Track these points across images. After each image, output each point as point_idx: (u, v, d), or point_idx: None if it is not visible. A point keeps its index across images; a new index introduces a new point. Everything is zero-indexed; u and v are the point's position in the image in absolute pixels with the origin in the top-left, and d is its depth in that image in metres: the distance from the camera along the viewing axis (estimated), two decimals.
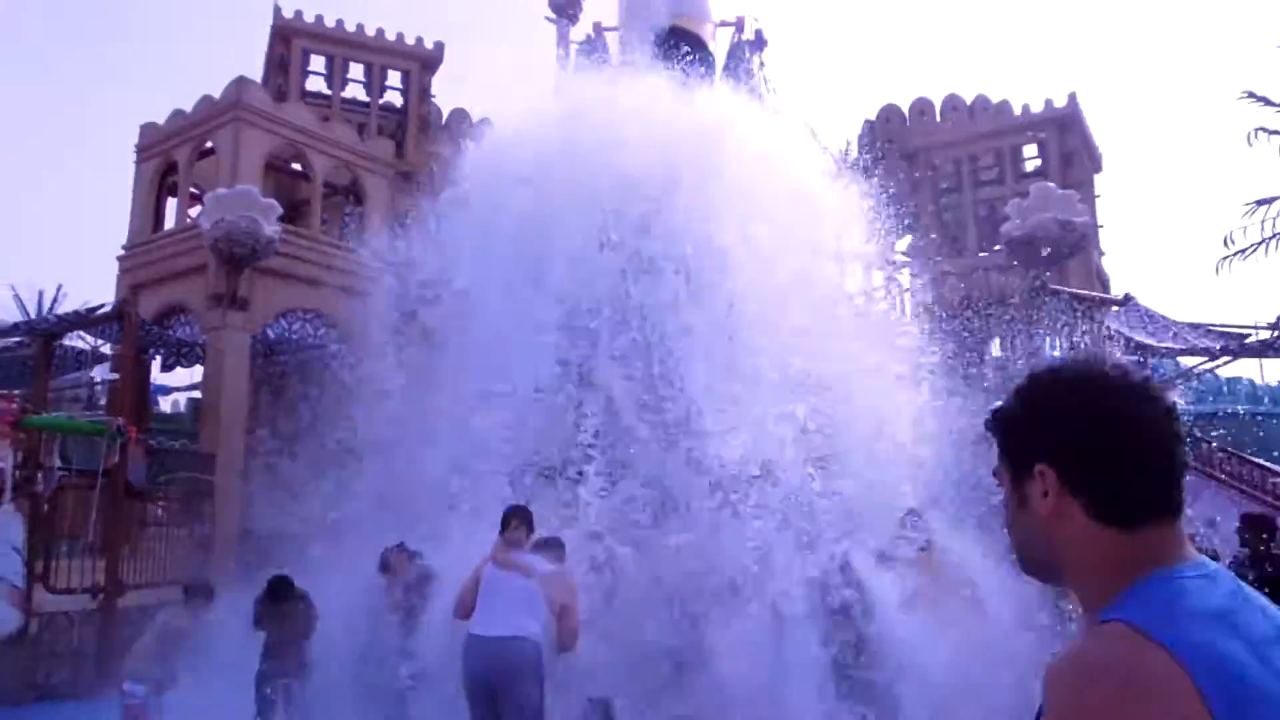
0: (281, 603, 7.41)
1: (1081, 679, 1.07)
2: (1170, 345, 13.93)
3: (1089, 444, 1.19)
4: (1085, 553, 1.19)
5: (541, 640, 5.92)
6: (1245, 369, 21.34)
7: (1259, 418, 20.31)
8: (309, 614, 7.50)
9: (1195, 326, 13.97)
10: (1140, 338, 13.74)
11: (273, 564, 9.32)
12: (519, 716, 5.70)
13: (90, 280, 61.27)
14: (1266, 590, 4.94)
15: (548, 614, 6.01)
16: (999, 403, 1.34)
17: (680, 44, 18.80)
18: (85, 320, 13.96)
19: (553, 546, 6.75)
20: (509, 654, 5.71)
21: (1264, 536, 7.24)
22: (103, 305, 14.27)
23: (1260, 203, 15.30)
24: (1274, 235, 14.77)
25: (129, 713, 6.88)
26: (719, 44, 21.41)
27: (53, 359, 14.43)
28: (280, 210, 14.44)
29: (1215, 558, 7.73)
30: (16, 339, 14.99)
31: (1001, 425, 1.31)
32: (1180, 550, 1.19)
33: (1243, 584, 1.20)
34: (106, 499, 11.32)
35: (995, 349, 21.08)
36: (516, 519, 6.44)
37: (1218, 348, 13.48)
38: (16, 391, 13.92)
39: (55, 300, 32.73)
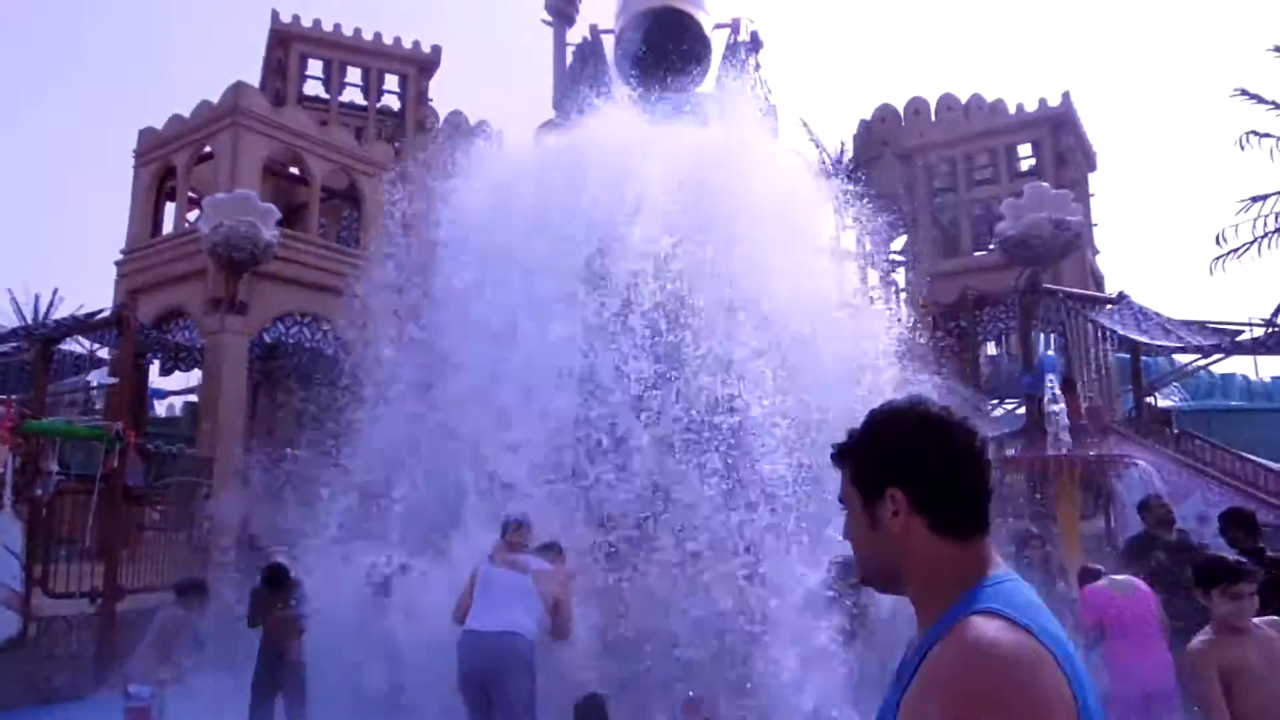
0: (279, 591, 7.35)
1: (981, 659, 1.24)
2: (1164, 343, 13.99)
3: (931, 471, 1.43)
4: (928, 563, 1.42)
5: (535, 636, 5.99)
6: (1238, 365, 21.44)
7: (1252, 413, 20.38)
8: (300, 608, 7.44)
9: (1189, 324, 14.04)
10: (1134, 335, 13.80)
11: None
12: (509, 710, 5.78)
13: (86, 284, 61.25)
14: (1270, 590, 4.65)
15: (542, 610, 6.07)
16: (840, 440, 1.54)
17: (675, 33, 18.89)
18: (84, 325, 13.98)
19: (551, 550, 6.85)
20: (502, 648, 5.79)
21: (1246, 530, 7.21)
22: (101, 310, 14.31)
23: (1255, 199, 15.40)
24: (1266, 234, 14.87)
25: (133, 716, 6.88)
26: (715, 44, 21.50)
27: (50, 364, 14.46)
28: (279, 215, 14.48)
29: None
30: (13, 345, 15.02)
31: (852, 457, 1.52)
32: (996, 559, 1.44)
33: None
34: (105, 503, 11.36)
35: (990, 348, 21.17)
36: (516, 524, 6.54)
37: (1211, 345, 13.55)
38: (14, 396, 13.96)
39: (51, 304, 32.75)
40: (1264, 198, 15.19)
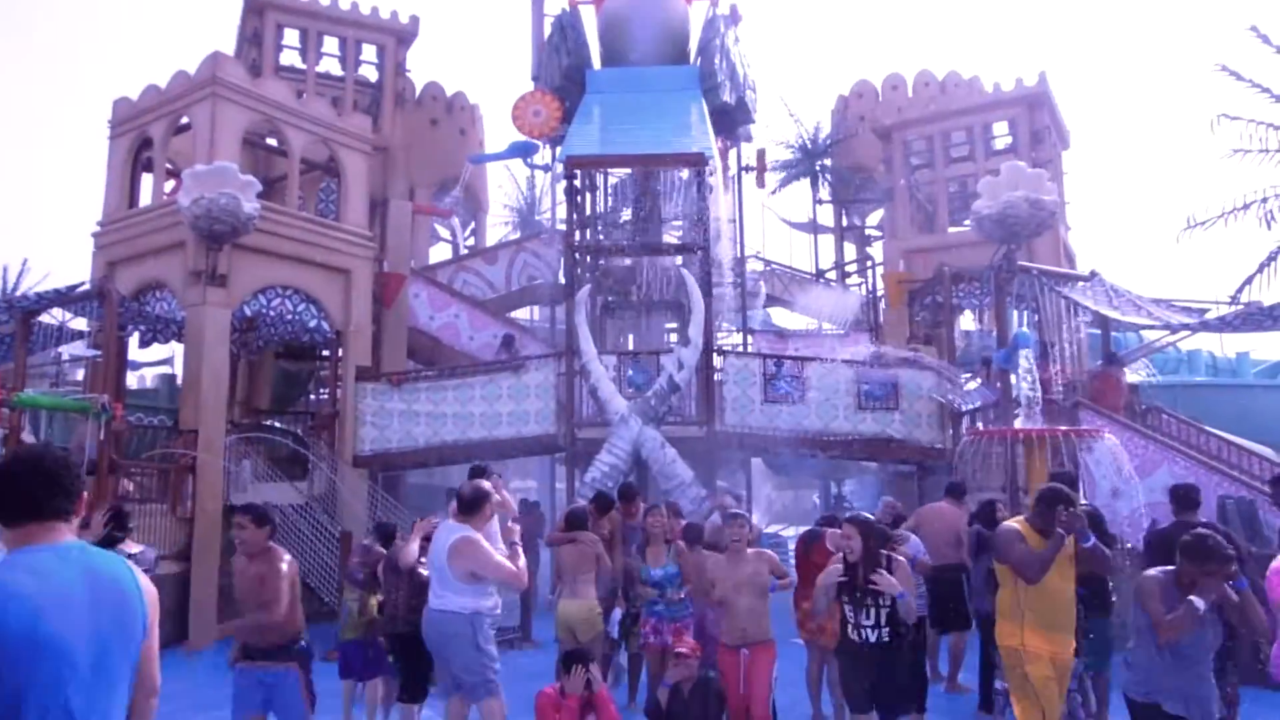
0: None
1: None
2: (1135, 319, 14.30)
3: None
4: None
5: (474, 610, 5.90)
6: (1204, 342, 21.93)
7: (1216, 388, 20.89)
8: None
9: (1157, 302, 14.37)
10: (1106, 311, 14.10)
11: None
12: (466, 679, 5.96)
13: (53, 254, 60.01)
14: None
15: (475, 583, 5.93)
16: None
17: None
18: (66, 297, 13.87)
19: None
20: (442, 626, 5.97)
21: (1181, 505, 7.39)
22: (82, 283, 14.20)
23: (1225, 116, 15.74)
24: (1231, 210, 15.28)
25: None
26: (694, 16, 21.49)
27: (30, 336, 14.35)
28: (260, 187, 14.38)
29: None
30: None
31: None
32: (46, 537, 2.33)
33: (90, 561, 2.38)
34: (93, 475, 11.39)
35: (965, 322, 21.49)
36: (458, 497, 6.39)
37: (1180, 324, 13.89)
38: None
39: (20, 274, 32.32)
40: (1238, 118, 15.52)
